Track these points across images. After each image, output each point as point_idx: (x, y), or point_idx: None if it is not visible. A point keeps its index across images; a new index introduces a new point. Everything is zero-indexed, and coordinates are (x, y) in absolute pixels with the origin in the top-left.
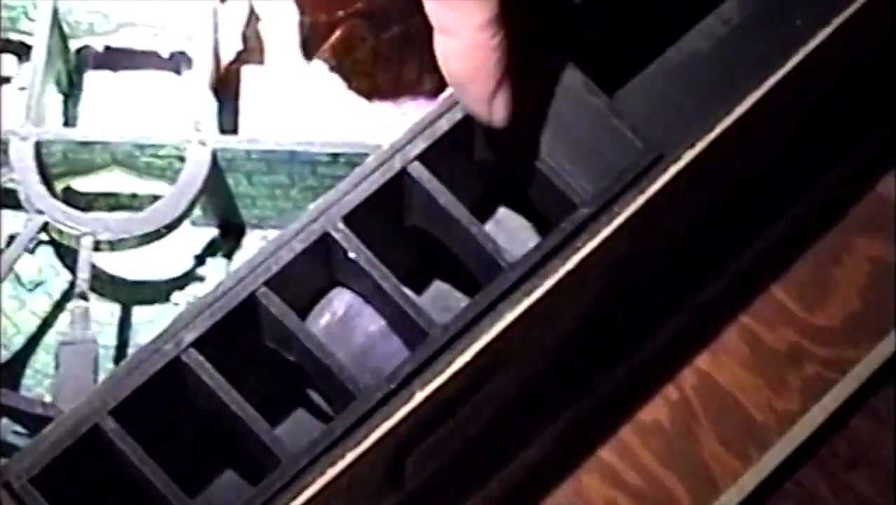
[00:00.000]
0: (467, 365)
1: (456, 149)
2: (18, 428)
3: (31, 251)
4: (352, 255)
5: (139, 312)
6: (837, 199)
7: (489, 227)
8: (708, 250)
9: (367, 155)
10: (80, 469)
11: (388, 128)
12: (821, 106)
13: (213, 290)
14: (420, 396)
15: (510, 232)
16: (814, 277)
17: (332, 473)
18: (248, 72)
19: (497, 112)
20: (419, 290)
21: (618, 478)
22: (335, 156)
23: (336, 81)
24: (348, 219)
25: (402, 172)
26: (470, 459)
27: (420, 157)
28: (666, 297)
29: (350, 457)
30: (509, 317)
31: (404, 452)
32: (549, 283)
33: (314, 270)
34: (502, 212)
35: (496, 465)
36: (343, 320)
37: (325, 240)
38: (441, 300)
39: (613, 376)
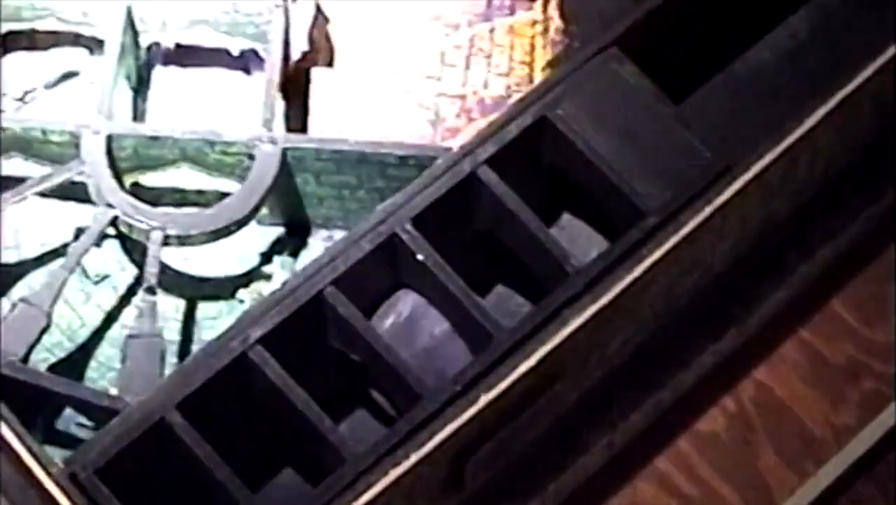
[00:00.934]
0: (532, 369)
1: (524, 153)
2: (82, 420)
3: (98, 245)
4: (420, 256)
5: (204, 308)
6: None
7: (554, 231)
8: (769, 263)
9: (435, 158)
10: (145, 462)
11: (455, 131)
12: (884, 120)
13: (280, 287)
14: (484, 400)
15: (574, 238)
16: (873, 293)
17: (395, 473)
18: (316, 72)
19: None
20: (482, 293)
21: (673, 487)
22: (404, 158)
23: (404, 84)
24: (417, 221)
25: (472, 176)
26: (529, 464)
27: (489, 161)
28: (725, 309)
29: (414, 458)
30: (574, 323)
31: (466, 454)
32: (614, 290)
33: (381, 271)
34: (567, 217)
35: (554, 470)
36: (408, 322)
37: (393, 241)
38: (503, 304)
39: (672, 386)
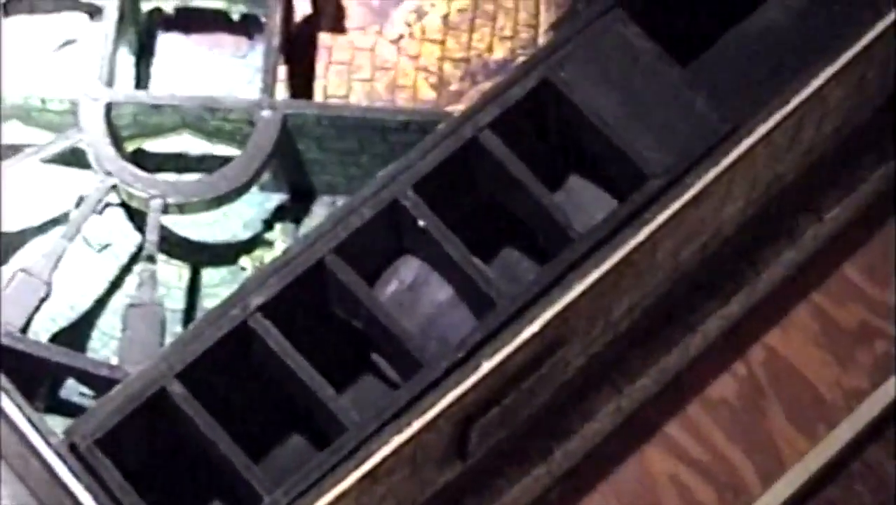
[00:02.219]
0: (534, 336)
1: (528, 117)
2: (84, 389)
3: (100, 213)
4: (421, 223)
5: (207, 275)
6: None
7: (559, 196)
8: (778, 226)
9: (438, 122)
10: (145, 432)
11: (459, 95)
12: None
13: (280, 255)
14: (487, 366)
15: (581, 202)
16: (885, 255)
17: (397, 441)
18: (321, 37)
19: None
20: (488, 259)
21: (683, 452)
22: (406, 123)
23: (407, 49)
24: (418, 186)
25: (474, 140)
26: (535, 430)
27: (491, 125)
28: (734, 272)
29: (416, 426)
30: (578, 288)
31: (470, 421)
32: (618, 254)
33: (383, 238)
34: (573, 181)
35: (561, 436)
36: (411, 288)
37: (394, 207)
38: (509, 269)
39: (680, 351)
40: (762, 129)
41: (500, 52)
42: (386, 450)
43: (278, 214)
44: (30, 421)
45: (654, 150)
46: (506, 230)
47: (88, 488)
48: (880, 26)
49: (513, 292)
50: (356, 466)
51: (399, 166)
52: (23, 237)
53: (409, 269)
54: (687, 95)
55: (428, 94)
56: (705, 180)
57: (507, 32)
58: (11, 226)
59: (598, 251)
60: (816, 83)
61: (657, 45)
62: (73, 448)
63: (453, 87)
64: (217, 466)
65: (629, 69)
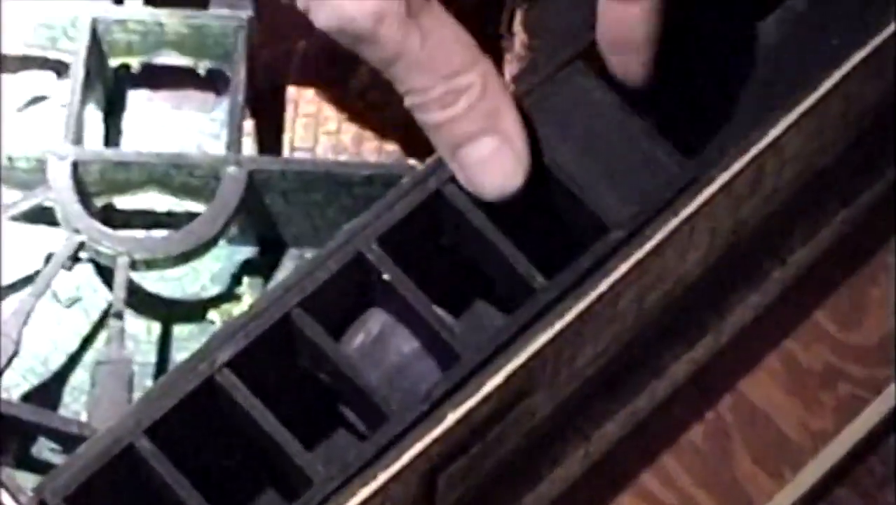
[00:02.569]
0: (499, 387)
1: None
2: (55, 446)
3: (69, 268)
4: (386, 276)
5: (177, 329)
6: (873, 219)
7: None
8: (743, 270)
9: (402, 176)
10: (115, 488)
11: (425, 147)
12: (857, 127)
13: (247, 310)
14: (452, 418)
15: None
16: (850, 297)
17: (364, 494)
18: (288, 91)
19: (649, 73)
20: (455, 309)
21: (651, 496)
22: (370, 177)
23: (373, 101)
24: (383, 239)
25: (438, 193)
26: (502, 479)
27: (455, 178)
28: (699, 317)
29: (382, 478)
30: (541, 339)
31: (437, 472)
32: (580, 305)
33: (349, 291)
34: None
35: (530, 482)
36: (377, 340)
37: (359, 260)
38: (477, 319)
39: (647, 396)
40: (722, 178)
41: None
42: (353, 502)
43: (246, 268)
44: None
45: (616, 202)
46: (472, 281)
47: None
48: (838, 73)
49: (477, 344)
50: None
51: (364, 220)
52: None
53: (375, 321)
54: (648, 146)
55: (393, 146)
56: (666, 230)
57: None
58: None
59: (561, 302)
60: (775, 132)
61: (618, 97)
62: (43, 502)
63: (421, 138)
64: None
65: (590, 121)
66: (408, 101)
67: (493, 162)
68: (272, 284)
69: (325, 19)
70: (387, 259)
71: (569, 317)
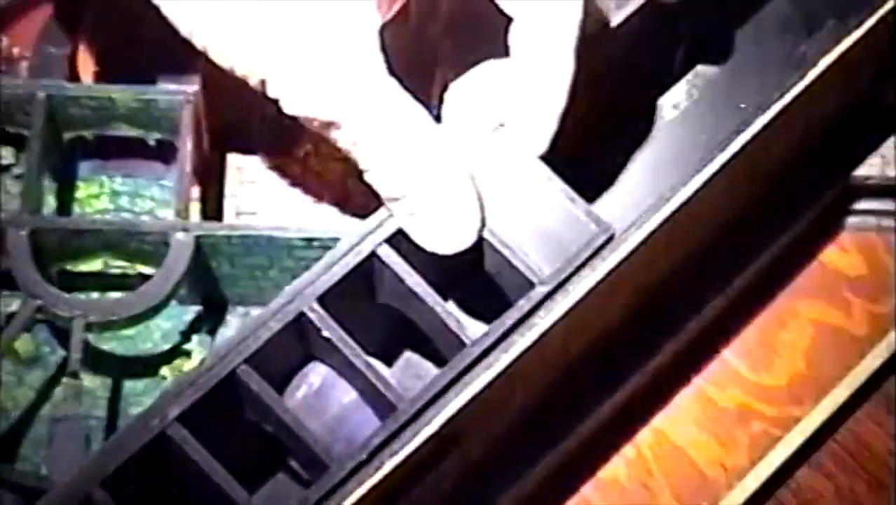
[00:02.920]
0: (433, 435)
1: None
2: (15, 497)
3: (29, 330)
4: (325, 333)
5: (130, 386)
6: (782, 268)
7: (451, 304)
8: (661, 317)
9: (338, 239)
10: None
11: (363, 210)
12: (765, 182)
13: (196, 367)
14: (389, 465)
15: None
16: (761, 341)
17: None
18: (232, 158)
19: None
20: (392, 359)
21: None
22: (310, 240)
23: (313, 168)
24: (322, 299)
25: (372, 254)
26: None
27: (388, 241)
28: (623, 361)
29: None
30: (472, 390)
31: None
32: (508, 357)
33: (291, 347)
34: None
35: None
36: (318, 393)
37: (300, 319)
38: (413, 369)
39: (575, 436)
40: (637, 237)
41: None
42: None
43: (195, 325)
44: None
45: (540, 259)
46: (407, 334)
47: None
48: (744, 136)
49: (411, 396)
50: None
51: (303, 281)
52: None
53: (317, 374)
54: (568, 208)
55: (332, 210)
56: (586, 285)
57: None
58: None
59: (489, 354)
60: (687, 192)
61: (546, 166)
62: None
63: (357, 202)
64: None
65: (516, 185)
66: (365, 175)
67: (448, 225)
68: (219, 340)
69: (294, 108)
70: (326, 318)
71: (497, 369)
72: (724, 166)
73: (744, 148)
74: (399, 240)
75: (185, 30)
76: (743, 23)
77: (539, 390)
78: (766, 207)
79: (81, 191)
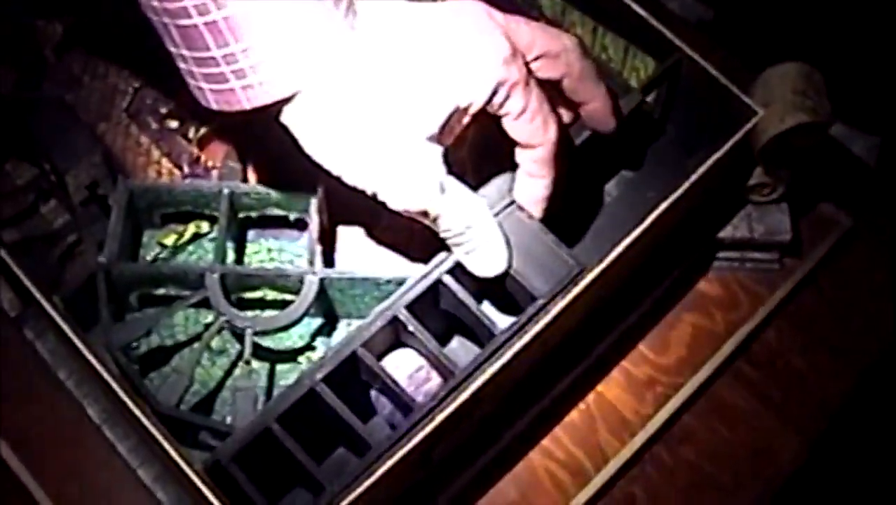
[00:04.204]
0: (472, 395)
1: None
2: (209, 439)
3: (219, 333)
4: (410, 328)
5: (280, 368)
6: (674, 292)
7: (485, 306)
8: (603, 322)
9: (405, 279)
10: (260, 458)
11: (421, 257)
12: (663, 239)
13: (331, 349)
14: (447, 411)
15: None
16: (662, 337)
17: (400, 454)
18: (340, 230)
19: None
20: (446, 342)
21: (548, 452)
22: (388, 281)
23: (389, 235)
24: (410, 307)
25: (439, 281)
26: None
27: (449, 271)
28: (579, 350)
29: (412, 443)
30: (494, 367)
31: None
32: (520, 343)
33: (387, 337)
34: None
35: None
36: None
37: (394, 321)
38: (461, 349)
39: (549, 396)
40: (595, 272)
41: None
42: (390, 462)
43: (318, 331)
44: (180, 454)
45: (539, 282)
46: (457, 328)
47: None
48: (647, 221)
49: (461, 368)
50: (378, 468)
51: (398, 295)
52: (175, 349)
53: (402, 357)
54: (556, 250)
55: (401, 258)
56: (570, 297)
57: None
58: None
59: (508, 344)
60: (623, 245)
61: (540, 223)
62: (215, 466)
63: (416, 255)
64: (304, 477)
65: (522, 237)
66: (442, 235)
67: (490, 260)
68: (334, 340)
69: (395, 206)
70: (410, 318)
71: (514, 350)
72: (644, 231)
73: (654, 221)
74: (455, 270)
75: (315, 156)
76: (651, 143)
77: (528, 369)
78: (665, 255)
79: (249, 249)
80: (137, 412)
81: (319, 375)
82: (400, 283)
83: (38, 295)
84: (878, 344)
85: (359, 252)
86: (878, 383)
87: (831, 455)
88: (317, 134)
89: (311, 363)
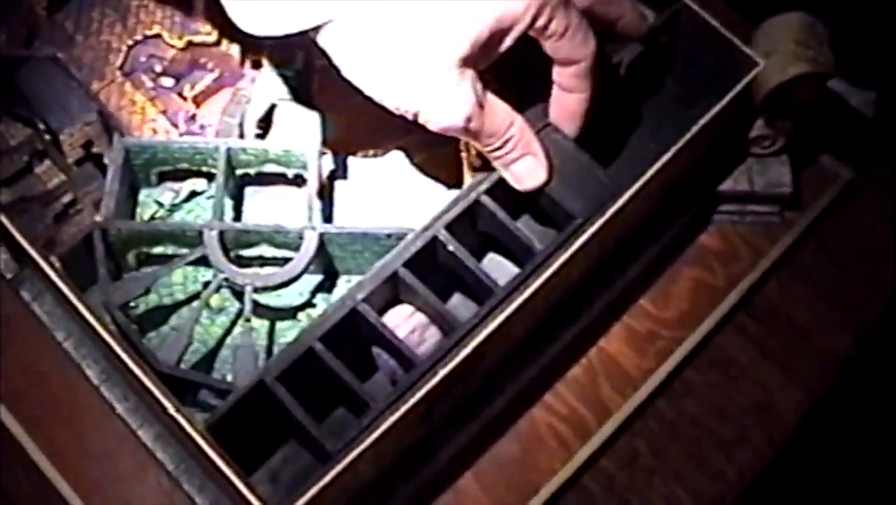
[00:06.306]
0: (473, 351)
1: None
2: (209, 397)
3: (218, 291)
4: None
5: (280, 325)
6: (675, 247)
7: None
8: (603, 275)
9: (406, 233)
10: (257, 414)
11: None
12: (668, 191)
13: (328, 308)
14: (450, 366)
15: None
16: (663, 291)
17: (401, 411)
18: (338, 184)
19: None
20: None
21: (550, 407)
22: (388, 235)
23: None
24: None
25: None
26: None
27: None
28: (582, 304)
29: (413, 400)
30: (495, 322)
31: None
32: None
33: (386, 292)
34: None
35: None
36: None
37: (393, 278)
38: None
39: (551, 351)
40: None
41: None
42: (392, 419)
43: (318, 288)
44: (184, 415)
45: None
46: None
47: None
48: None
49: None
50: (380, 424)
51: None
52: (172, 309)
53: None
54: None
55: (397, 211)
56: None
57: None
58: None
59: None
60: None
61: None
62: (212, 428)
63: (419, 204)
64: (300, 432)
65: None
66: (482, 149)
67: (531, 170)
68: (334, 297)
69: (435, 125)
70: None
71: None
72: (653, 175)
73: (664, 165)
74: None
75: (353, 79)
76: (650, 96)
77: (530, 324)
78: (668, 208)
79: (247, 205)
80: (137, 371)
81: (320, 332)
82: (400, 237)
83: (34, 255)
84: (880, 296)
85: (358, 208)
86: (880, 335)
87: (834, 409)
88: (355, 56)
89: (311, 320)
